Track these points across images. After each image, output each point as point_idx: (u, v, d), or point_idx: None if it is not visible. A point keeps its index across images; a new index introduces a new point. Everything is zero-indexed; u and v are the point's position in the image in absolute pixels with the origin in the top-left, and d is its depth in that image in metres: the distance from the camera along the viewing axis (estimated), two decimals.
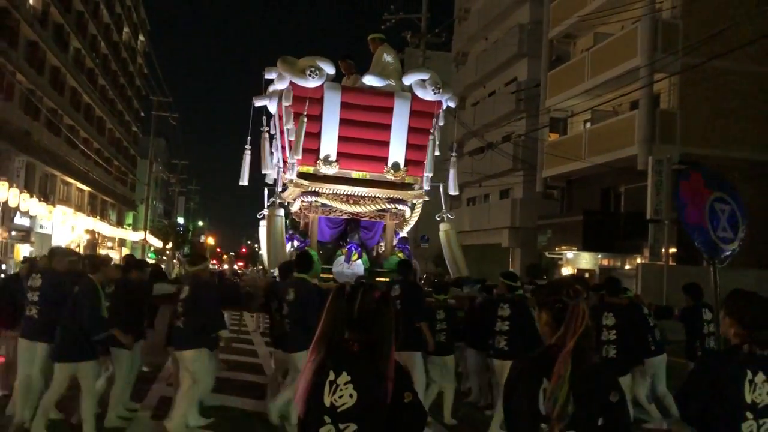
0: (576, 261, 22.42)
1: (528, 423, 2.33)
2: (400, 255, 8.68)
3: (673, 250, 17.68)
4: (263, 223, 9.10)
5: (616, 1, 19.22)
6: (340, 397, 2.27)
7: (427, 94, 8.47)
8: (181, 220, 68.53)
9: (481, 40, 30.93)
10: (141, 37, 51.99)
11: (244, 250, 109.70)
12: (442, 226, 9.37)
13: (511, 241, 25.48)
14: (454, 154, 9.31)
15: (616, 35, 20.03)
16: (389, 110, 8.38)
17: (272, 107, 9.03)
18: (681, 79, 17.58)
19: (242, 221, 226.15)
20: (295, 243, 8.59)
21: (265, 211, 9.11)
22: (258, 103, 8.91)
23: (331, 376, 2.29)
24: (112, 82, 42.69)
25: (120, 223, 47.24)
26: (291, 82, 8.06)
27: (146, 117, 53.53)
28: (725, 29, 14.80)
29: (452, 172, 9.10)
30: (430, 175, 8.66)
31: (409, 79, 8.59)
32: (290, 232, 8.77)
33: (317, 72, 8.00)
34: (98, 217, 38.40)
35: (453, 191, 9.14)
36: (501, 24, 28.85)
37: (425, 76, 8.60)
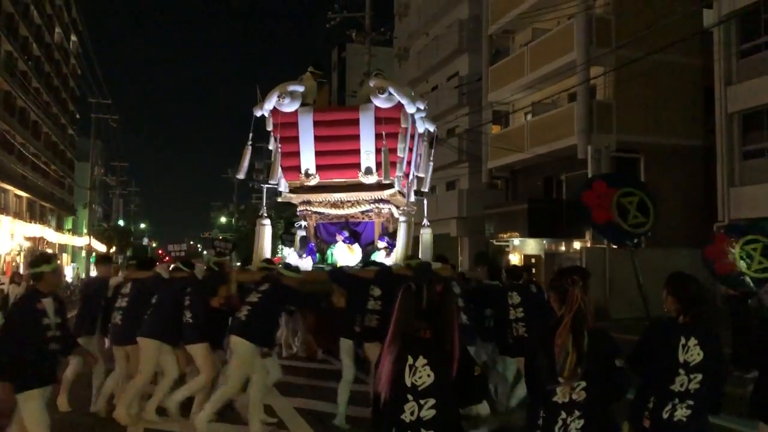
0: (522, 247, 23.33)
1: (548, 377, 2.96)
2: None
3: None
4: (266, 222, 9.61)
5: None
6: (419, 377, 2.74)
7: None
8: (121, 222, 66.97)
9: (422, 36, 31.51)
10: (73, 38, 50.61)
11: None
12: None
13: (460, 230, 26.22)
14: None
15: (553, 31, 20.94)
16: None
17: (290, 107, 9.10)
18: (615, 71, 18.57)
19: (183, 222, 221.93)
20: (383, 243, 9.26)
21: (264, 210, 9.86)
22: (267, 106, 9.02)
23: (410, 361, 2.76)
24: (45, 84, 41.53)
25: (60, 229, 46.04)
26: (402, 106, 8.76)
27: (82, 119, 52.24)
28: (656, 25, 15.78)
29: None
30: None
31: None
32: (346, 234, 9.25)
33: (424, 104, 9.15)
34: (39, 223, 37.41)
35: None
36: (441, 20, 29.48)
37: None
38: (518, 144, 21.78)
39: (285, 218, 11.44)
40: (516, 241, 23.26)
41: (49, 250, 42.13)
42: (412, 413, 2.73)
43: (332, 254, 9.09)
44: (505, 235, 23.06)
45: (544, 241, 22.39)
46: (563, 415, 2.93)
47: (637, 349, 3.57)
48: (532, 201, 21.64)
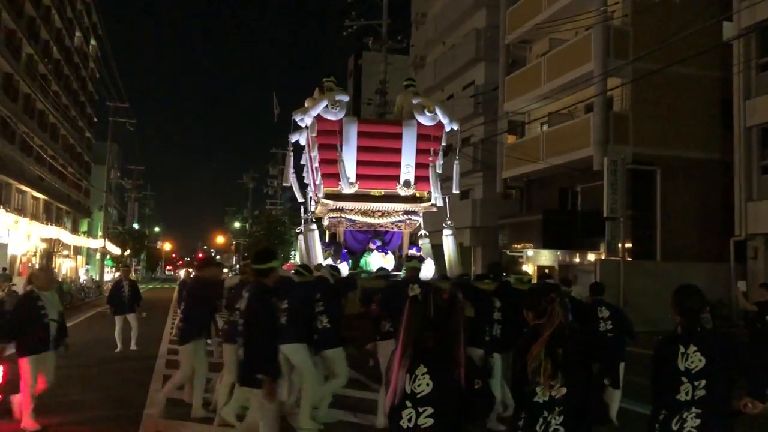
0: (536, 258, 23.22)
1: (526, 382, 3.07)
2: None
3: (628, 245, 18.59)
4: (314, 227, 10.01)
5: (570, 9, 20.09)
6: (418, 385, 2.80)
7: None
8: (136, 226, 67.44)
9: (439, 45, 31.57)
10: (93, 42, 51.16)
11: (200, 255, 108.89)
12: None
13: (473, 240, 26.14)
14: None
15: (570, 41, 20.88)
16: None
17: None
18: (633, 83, 18.49)
19: (197, 226, 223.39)
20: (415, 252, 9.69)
21: (303, 227, 10.21)
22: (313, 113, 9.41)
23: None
24: (65, 87, 41.96)
25: (75, 231, 46.43)
26: (443, 125, 9.61)
27: (100, 122, 52.72)
28: (674, 37, 15.68)
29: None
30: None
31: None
32: (378, 242, 9.65)
33: None
34: (55, 224, 37.77)
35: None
36: (458, 29, 29.54)
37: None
38: (534, 154, 21.71)
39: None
40: (530, 252, 23.15)
41: (65, 252, 42.55)
42: (409, 420, 2.79)
43: (368, 261, 9.26)
44: (518, 246, 22.98)
45: (558, 253, 22.28)
46: (545, 413, 3.00)
47: (652, 366, 3.67)
48: (547, 212, 21.56)
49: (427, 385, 2.78)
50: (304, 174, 10.66)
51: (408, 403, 2.80)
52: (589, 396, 3.11)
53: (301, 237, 10.15)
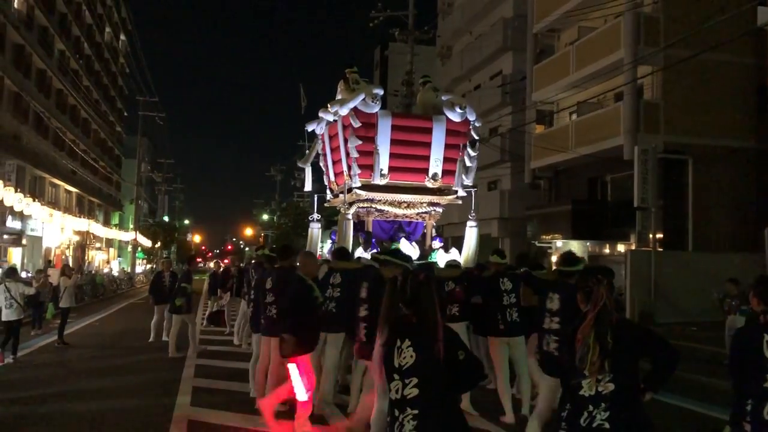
0: (565, 249, 22.99)
1: (572, 372, 3.10)
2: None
3: (659, 235, 18.32)
4: (350, 217, 10.10)
5: None
6: (404, 358, 2.96)
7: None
8: (166, 218, 68.36)
9: (466, 34, 31.35)
10: (122, 37, 51.82)
11: (229, 247, 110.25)
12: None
13: (501, 231, 26.01)
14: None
15: (599, 29, 20.57)
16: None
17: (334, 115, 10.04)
18: (663, 70, 18.16)
19: (226, 219, 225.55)
20: (439, 243, 10.26)
21: (316, 215, 10.85)
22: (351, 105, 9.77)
23: (398, 343, 2.99)
24: (96, 82, 42.63)
25: (107, 224, 47.22)
26: (469, 121, 10.06)
27: (130, 116, 53.46)
28: (706, 23, 15.37)
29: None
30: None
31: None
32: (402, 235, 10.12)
33: None
34: (87, 217, 38.42)
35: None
36: (485, 18, 29.28)
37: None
38: (562, 144, 21.48)
39: (326, 216, 11.80)
40: (559, 243, 22.93)
41: (97, 244, 43.29)
42: (397, 391, 2.95)
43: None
44: (547, 237, 22.78)
45: (588, 244, 22.03)
46: (590, 408, 3.01)
47: (731, 357, 3.86)
48: (576, 202, 21.33)
49: (411, 356, 2.93)
50: (320, 164, 11.11)
51: (395, 376, 2.96)
52: (637, 393, 3.09)
53: (312, 225, 10.68)
